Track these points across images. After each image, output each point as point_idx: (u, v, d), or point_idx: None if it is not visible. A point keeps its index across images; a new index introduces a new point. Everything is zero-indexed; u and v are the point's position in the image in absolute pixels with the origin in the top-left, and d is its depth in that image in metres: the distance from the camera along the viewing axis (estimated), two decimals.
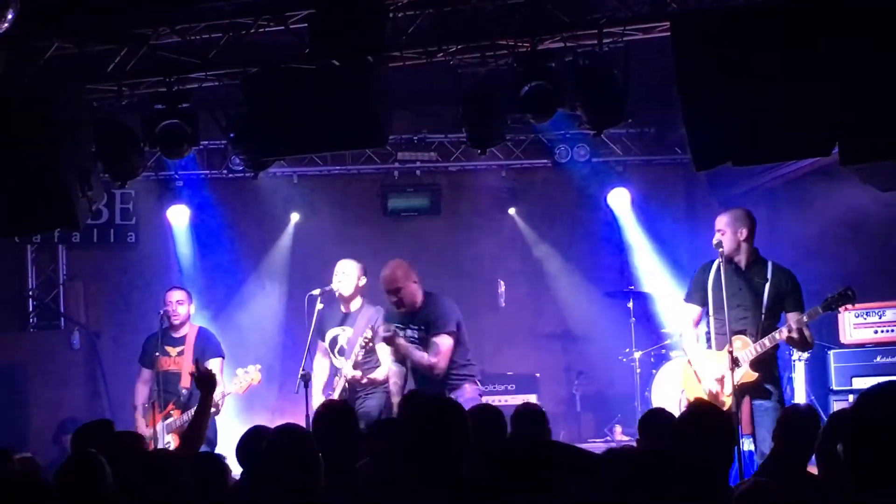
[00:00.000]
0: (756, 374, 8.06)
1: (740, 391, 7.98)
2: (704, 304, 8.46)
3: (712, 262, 8.41)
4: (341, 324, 9.55)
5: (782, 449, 6.04)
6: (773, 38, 7.43)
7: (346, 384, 9.31)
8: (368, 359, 9.35)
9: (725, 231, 8.26)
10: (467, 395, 8.82)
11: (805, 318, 8.02)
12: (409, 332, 9.01)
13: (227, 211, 12.98)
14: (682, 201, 13.27)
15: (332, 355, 9.57)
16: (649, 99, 10.20)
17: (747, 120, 7.39)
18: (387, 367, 9.26)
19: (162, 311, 10.10)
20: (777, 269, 8.27)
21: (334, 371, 9.61)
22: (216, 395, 9.69)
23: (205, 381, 7.22)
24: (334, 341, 9.53)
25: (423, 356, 8.85)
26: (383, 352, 9.28)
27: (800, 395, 10.61)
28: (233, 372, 9.79)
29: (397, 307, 9.04)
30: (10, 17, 7.34)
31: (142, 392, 10.13)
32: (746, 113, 7.39)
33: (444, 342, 8.86)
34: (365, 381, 9.28)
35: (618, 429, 12.02)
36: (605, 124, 8.85)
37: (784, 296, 8.19)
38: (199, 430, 6.99)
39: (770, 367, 8.24)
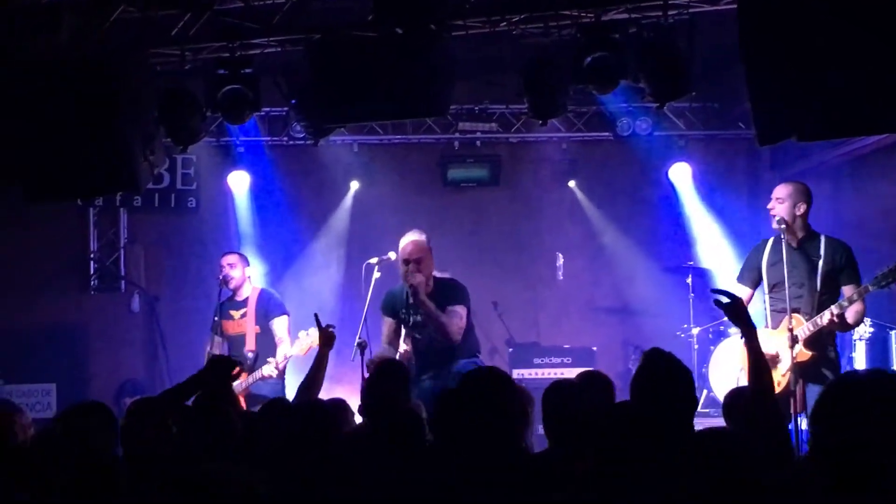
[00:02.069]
0: (809, 353, 7.87)
1: (797, 371, 7.85)
2: (756, 285, 8.37)
3: (766, 241, 8.34)
4: None
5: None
6: (843, 11, 7.29)
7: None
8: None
9: (784, 201, 8.11)
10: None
11: (854, 296, 7.83)
12: (419, 317, 8.84)
13: (287, 178, 13.02)
14: (744, 177, 13.13)
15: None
16: (713, 73, 10.10)
17: (814, 94, 7.25)
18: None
19: (221, 277, 10.16)
20: (830, 243, 8.09)
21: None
22: (279, 357, 9.79)
23: (325, 337, 7.37)
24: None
25: (447, 318, 8.64)
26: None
27: None
28: (296, 335, 9.82)
29: (406, 279, 8.78)
30: None
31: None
32: (813, 87, 7.25)
33: (462, 312, 8.72)
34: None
35: None
36: (668, 97, 8.76)
37: (839, 270, 8.01)
38: (315, 382, 7.14)
39: (825, 348, 8.04)
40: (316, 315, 7.78)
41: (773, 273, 8.15)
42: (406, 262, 8.71)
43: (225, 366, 6.18)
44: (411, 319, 8.84)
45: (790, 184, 8.31)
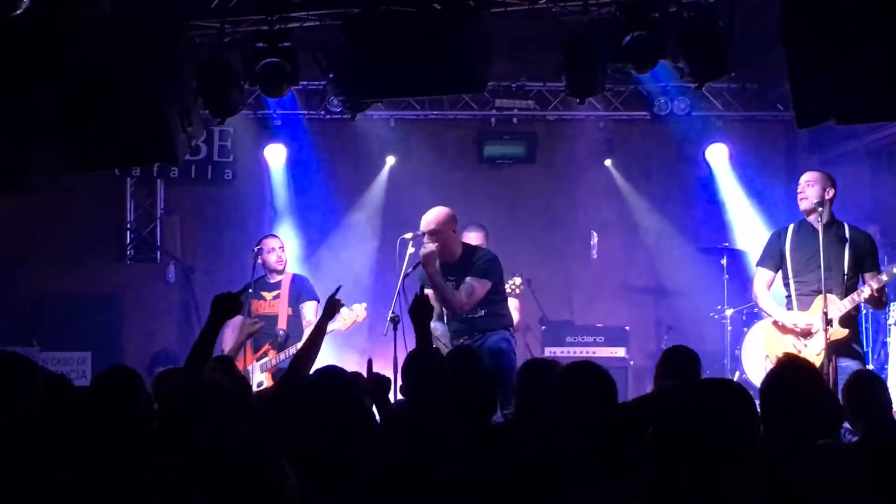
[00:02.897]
0: (846, 331, 8.09)
1: (830, 349, 7.96)
2: (777, 269, 8.51)
3: (786, 228, 8.54)
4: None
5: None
6: None
7: None
8: None
9: (815, 184, 8.25)
10: (498, 335, 8.80)
11: (885, 277, 8.07)
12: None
13: (324, 152, 13.04)
14: (782, 159, 13.07)
15: None
16: (753, 53, 10.04)
17: (853, 77, 7.20)
18: None
19: (256, 249, 10.21)
20: (854, 231, 8.33)
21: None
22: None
23: (330, 308, 7.31)
24: None
25: (451, 291, 8.67)
26: None
27: (894, 359, 10.44)
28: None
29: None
30: (24, 1, 7.45)
31: (229, 336, 10.23)
32: (853, 70, 7.20)
33: (477, 286, 8.69)
34: None
35: None
36: (706, 77, 8.75)
37: (864, 256, 8.24)
38: (313, 347, 7.02)
39: (856, 327, 8.31)
40: (339, 287, 7.71)
41: (797, 257, 8.36)
42: (430, 233, 8.76)
43: (228, 300, 6.06)
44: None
45: (817, 171, 8.50)
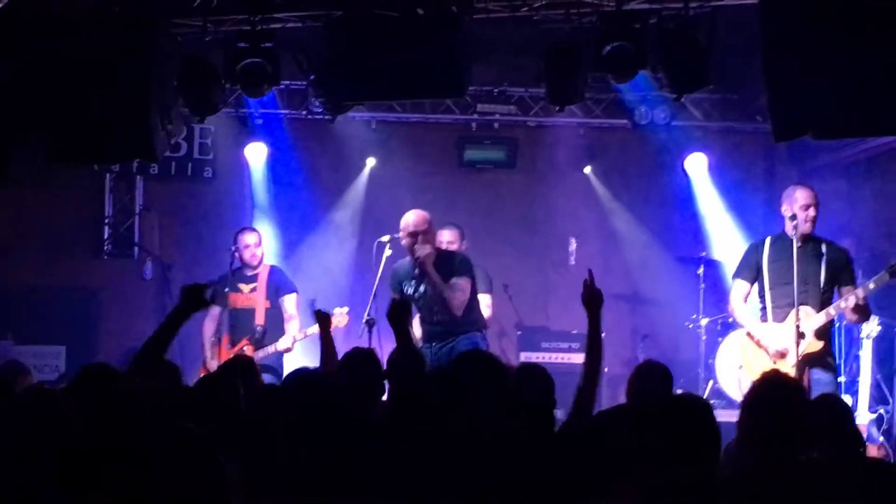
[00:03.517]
0: (820, 344, 8.17)
1: (804, 362, 8.02)
2: (754, 281, 8.56)
3: (763, 241, 8.59)
4: None
5: None
6: (864, 9, 7.30)
7: None
8: None
9: (817, 206, 8.30)
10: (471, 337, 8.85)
11: (871, 285, 8.11)
12: (422, 289, 8.90)
13: (304, 152, 13.03)
14: (761, 170, 13.13)
15: None
16: (734, 65, 10.08)
17: (831, 92, 7.29)
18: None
19: (233, 249, 10.23)
20: (830, 246, 8.40)
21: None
22: (295, 331, 9.89)
23: (322, 318, 7.46)
24: None
25: (451, 289, 8.73)
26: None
27: (865, 373, 10.49)
28: (308, 312, 9.88)
29: (412, 253, 8.85)
30: None
31: (209, 327, 10.28)
32: (830, 85, 7.29)
33: (465, 285, 8.79)
34: None
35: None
36: (685, 88, 8.80)
37: (840, 271, 8.32)
38: (331, 351, 7.19)
39: (829, 340, 8.40)
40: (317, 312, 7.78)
41: (775, 270, 8.41)
42: (413, 234, 8.78)
43: (195, 291, 6.05)
44: (415, 292, 8.90)
45: (810, 188, 8.48)
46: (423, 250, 8.71)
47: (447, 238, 10.07)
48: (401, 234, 8.92)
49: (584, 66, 8.89)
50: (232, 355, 9.84)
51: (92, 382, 5.17)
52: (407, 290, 8.95)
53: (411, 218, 8.86)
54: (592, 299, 6.42)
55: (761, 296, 8.53)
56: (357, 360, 6.51)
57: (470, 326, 8.90)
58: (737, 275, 8.73)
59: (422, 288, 8.87)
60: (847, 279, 8.33)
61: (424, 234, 8.80)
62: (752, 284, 8.59)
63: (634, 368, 6.89)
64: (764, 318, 8.50)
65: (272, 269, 10.46)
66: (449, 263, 8.88)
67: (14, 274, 12.72)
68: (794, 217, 8.23)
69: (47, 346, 12.17)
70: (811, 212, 8.27)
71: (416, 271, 8.87)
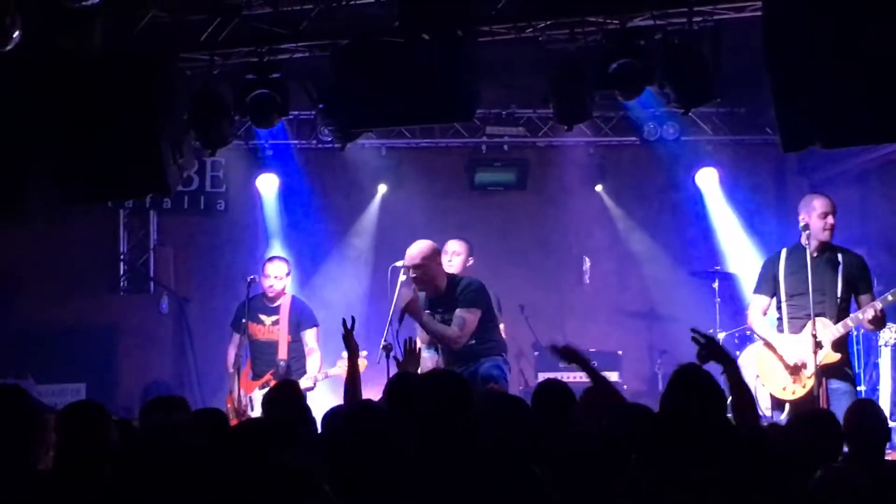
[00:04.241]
0: (838, 356, 8.15)
1: (821, 373, 8.00)
2: (773, 294, 8.55)
3: (779, 253, 8.58)
4: None
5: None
6: (867, 18, 7.31)
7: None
8: None
9: (835, 213, 8.31)
10: (488, 363, 8.84)
11: (890, 297, 8.10)
12: (440, 316, 8.88)
13: (316, 181, 13.08)
14: (772, 182, 13.13)
15: None
16: (740, 78, 10.09)
17: (838, 101, 7.29)
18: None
19: (250, 279, 10.22)
20: (846, 254, 8.37)
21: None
22: (315, 369, 9.86)
23: (353, 350, 7.45)
24: None
25: (442, 328, 8.70)
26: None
27: (885, 380, 10.50)
28: (326, 344, 9.87)
29: (418, 287, 8.88)
30: (14, 37, 7.52)
31: (232, 355, 10.27)
32: (837, 94, 7.29)
33: (468, 316, 8.71)
34: None
35: None
36: (692, 103, 8.82)
37: (856, 280, 8.30)
38: (356, 385, 7.20)
39: (847, 350, 8.36)
40: (344, 321, 7.76)
41: (791, 281, 8.38)
42: (414, 267, 8.79)
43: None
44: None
45: (828, 197, 8.45)
46: (405, 299, 8.68)
47: (452, 248, 9.95)
48: (407, 265, 8.89)
49: (591, 84, 8.90)
50: (256, 388, 9.88)
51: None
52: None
53: (408, 252, 8.86)
54: (571, 357, 6.65)
55: (778, 308, 8.52)
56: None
57: (490, 350, 8.88)
58: (756, 290, 8.73)
59: (436, 317, 8.85)
60: (864, 288, 8.33)
61: (416, 267, 8.76)
62: (771, 298, 8.58)
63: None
64: (780, 329, 8.49)
65: (294, 300, 10.37)
66: (452, 293, 8.84)
67: (31, 313, 12.78)
68: (806, 227, 8.21)
69: (67, 383, 12.21)
70: (829, 220, 8.26)
71: (433, 302, 8.88)
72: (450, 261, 9.68)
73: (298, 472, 3.56)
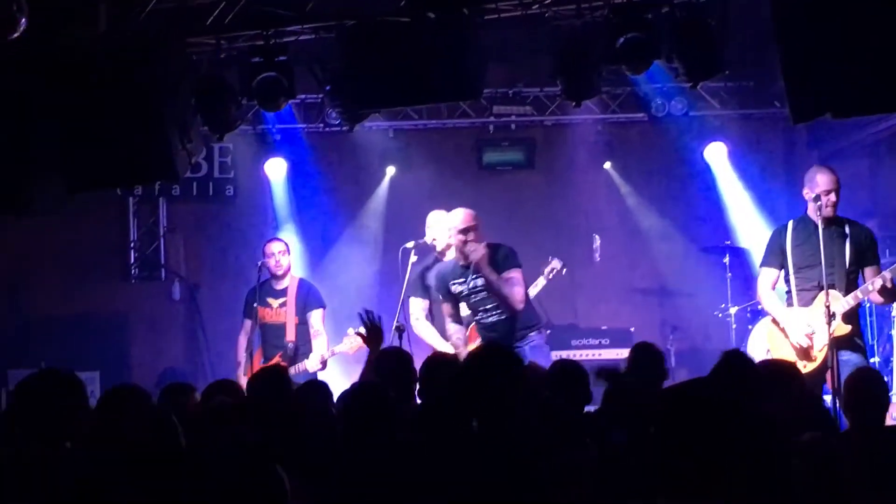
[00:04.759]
0: (849, 327, 8.10)
1: (832, 345, 7.97)
2: (781, 266, 8.50)
3: (785, 225, 8.54)
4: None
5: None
6: None
7: None
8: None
9: (838, 190, 8.24)
10: (535, 342, 8.79)
11: (888, 273, 8.01)
12: (473, 285, 8.75)
13: (324, 164, 13.07)
14: (781, 156, 13.08)
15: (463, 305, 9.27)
16: (748, 51, 10.07)
17: (847, 70, 7.23)
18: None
19: (260, 263, 10.24)
20: (854, 225, 8.33)
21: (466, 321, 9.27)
22: (323, 349, 9.85)
23: (373, 333, 7.47)
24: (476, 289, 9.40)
25: (508, 287, 8.56)
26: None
27: None
28: (334, 327, 9.88)
29: (461, 252, 8.71)
30: (21, 24, 7.51)
31: (242, 341, 10.28)
32: (846, 63, 7.24)
33: (516, 275, 8.66)
34: None
35: None
36: (701, 76, 8.78)
37: (864, 250, 8.26)
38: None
39: (857, 322, 8.32)
40: (363, 314, 7.74)
41: (799, 253, 8.36)
42: (464, 231, 8.65)
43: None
44: (467, 291, 8.77)
45: (832, 171, 8.41)
46: (478, 252, 8.57)
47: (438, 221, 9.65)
48: (450, 233, 8.83)
49: (599, 59, 8.88)
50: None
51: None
52: (455, 289, 8.83)
53: (459, 216, 8.76)
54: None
55: (786, 280, 8.49)
56: (387, 360, 6.61)
57: (527, 328, 8.79)
58: (763, 263, 8.68)
59: (472, 284, 8.73)
60: (871, 259, 8.29)
61: (466, 230, 8.67)
62: (779, 270, 8.53)
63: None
64: (790, 303, 8.45)
65: (301, 282, 10.40)
66: (499, 256, 8.72)
67: (43, 302, 12.81)
68: (817, 198, 8.18)
69: (81, 371, 12.12)
70: (832, 197, 8.19)
71: (466, 269, 8.74)
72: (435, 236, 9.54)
73: (250, 446, 3.54)
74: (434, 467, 4.61)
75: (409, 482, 4.65)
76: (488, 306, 8.74)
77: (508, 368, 4.81)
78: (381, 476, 4.74)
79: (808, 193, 8.31)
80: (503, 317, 8.70)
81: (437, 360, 6.67)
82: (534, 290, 9.44)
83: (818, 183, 8.26)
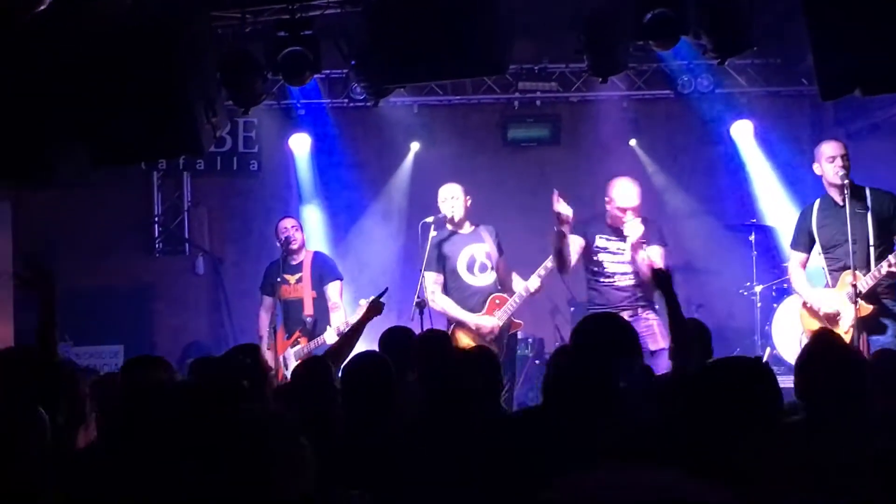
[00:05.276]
0: (870, 308, 7.96)
1: (859, 326, 7.88)
2: (809, 247, 8.45)
3: (811, 205, 8.45)
4: (466, 244, 9.52)
5: None
6: None
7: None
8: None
9: (844, 156, 8.16)
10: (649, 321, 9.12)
11: None
12: (615, 246, 9.26)
13: (348, 140, 13.07)
14: (808, 134, 12.98)
15: (471, 275, 9.53)
16: (776, 28, 9.99)
17: (878, 47, 7.15)
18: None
19: (283, 239, 10.23)
20: (876, 194, 8.14)
21: (471, 292, 9.51)
22: (340, 321, 9.84)
23: (373, 304, 7.72)
24: (472, 261, 9.48)
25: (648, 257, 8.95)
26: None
27: None
28: (355, 301, 9.88)
29: (617, 221, 9.21)
30: None
31: (264, 319, 10.29)
32: (877, 40, 7.15)
33: (664, 253, 9.14)
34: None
35: None
36: (729, 52, 8.68)
37: (890, 219, 8.08)
38: (348, 347, 7.22)
39: (886, 301, 8.09)
40: (387, 289, 7.88)
41: (824, 233, 8.28)
42: (636, 209, 9.14)
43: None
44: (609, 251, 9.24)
45: (842, 141, 8.33)
46: (636, 232, 9.00)
47: (451, 194, 9.65)
48: (619, 205, 9.18)
49: (625, 35, 8.81)
50: (288, 347, 9.91)
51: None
52: (599, 243, 9.32)
53: (629, 192, 9.17)
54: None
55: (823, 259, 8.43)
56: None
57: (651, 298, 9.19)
58: (792, 244, 8.64)
59: (615, 246, 9.26)
60: None
61: (634, 211, 9.10)
62: (808, 252, 8.47)
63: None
64: (827, 285, 8.37)
65: (315, 255, 10.39)
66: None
67: (67, 276, 12.72)
68: (828, 168, 8.12)
69: (105, 345, 12.28)
70: (839, 162, 8.10)
71: (611, 231, 9.29)
72: (452, 207, 9.52)
73: (268, 417, 3.53)
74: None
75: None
76: (629, 271, 9.20)
77: None
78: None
79: (817, 168, 8.26)
80: (635, 282, 9.16)
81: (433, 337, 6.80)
82: (542, 271, 9.46)
83: (822, 152, 8.22)
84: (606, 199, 9.29)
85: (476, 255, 9.47)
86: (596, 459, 3.53)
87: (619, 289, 9.14)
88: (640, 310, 9.08)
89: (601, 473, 3.25)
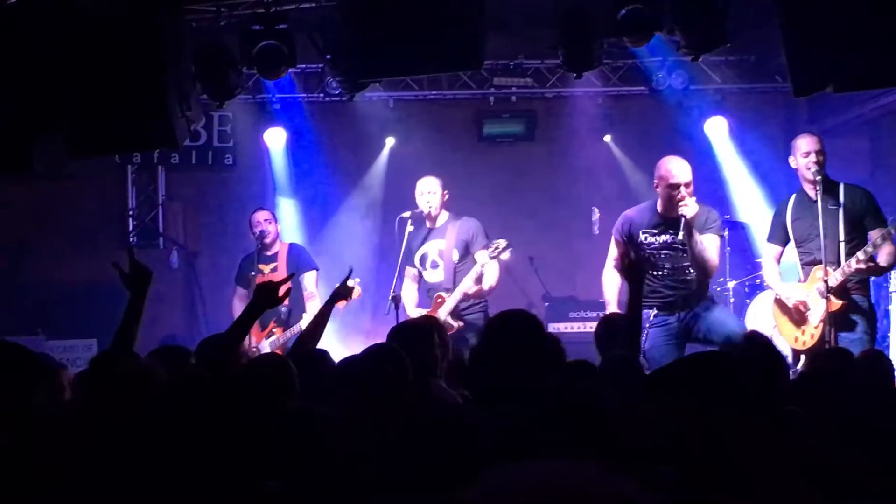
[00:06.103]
0: (840, 303, 7.97)
1: (828, 321, 7.92)
2: (784, 242, 8.46)
3: (787, 199, 8.47)
4: (426, 239, 9.58)
5: None
6: None
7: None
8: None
9: (824, 153, 8.15)
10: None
11: (879, 239, 7.80)
12: (666, 238, 8.44)
13: (324, 134, 13.06)
14: (781, 131, 13.02)
15: (424, 271, 9.58)
16: (750, 25, 10.02)
17: (849, 44, 7.23)
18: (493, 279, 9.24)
19: (257, 233, 10.24)
20: (849, 190, 8.14)
21: (427, 288, 9.65)
22: (314, 310, 9.85)
23: (344, 291, 7.59)
24: (424, 258, 9.56)
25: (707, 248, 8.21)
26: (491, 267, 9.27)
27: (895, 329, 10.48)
28: (330, 288, 9.88)
29: (671, 202, 8.26)
30: None
31: (238, 308, 10.29)
32: (848, 37, 7.23)
33: (719, 244, 8.52)
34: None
35: None
36: (702, 49, 8.76)
37: (862, 215, 8.06)
38: (320, 325, 7.17)
39: (856, 297, 8.11)
40: (351, 270, 7.82)
41: (797, 228, 8.30)
42: (688, 184, 8.28)
43: (272, 287, 6.04)
44: (657, 245, 8.49)
45: (818, 136, 8.35)
46: (693, 208, 8.19)
47: (428, 188, 9.65)
48: (674, 181, 8.29)
49: (600, 31, 8.86)
50: (263, 337, 9.92)
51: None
52: (644, 239, 8.52)
53: (683, 167, 8.38)
54: (634, 274, 6.28)
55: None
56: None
57: (706, 293, 8.60)
58: (768, 238, 8.68)
59: (663, 238, 8.46)
60: (873, 222, 8.00)
61: (689, 185, 8.31)
62: (782, 246, 8.50)
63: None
64: (800, 279, 8.41)
65: (291, 246, 10.51)
66: (702, 218, 8.36)
67: (41, 269, 12.80)
68: (802, 162, 8.13)
69: (78, 339, 12.22)
70: (813, 157, 8.08)
71: (665, 221, 8.44)
72: (428, 202, 9.54)
73: (303, 413, 3.55)
74: None
75: None
76: (685, 263, 8.41)
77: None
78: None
79: (792, 161, 8.28)
80: (692, 276, 8.41)
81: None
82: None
83: (798, 147, 8.23)
84: (655, 181, 8.51)
85: (430, 251, 9.55)
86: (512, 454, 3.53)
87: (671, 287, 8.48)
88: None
89: (510, 469, 3.26)
